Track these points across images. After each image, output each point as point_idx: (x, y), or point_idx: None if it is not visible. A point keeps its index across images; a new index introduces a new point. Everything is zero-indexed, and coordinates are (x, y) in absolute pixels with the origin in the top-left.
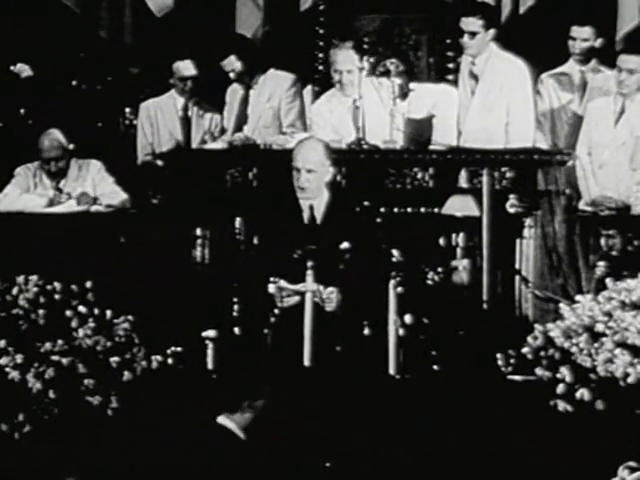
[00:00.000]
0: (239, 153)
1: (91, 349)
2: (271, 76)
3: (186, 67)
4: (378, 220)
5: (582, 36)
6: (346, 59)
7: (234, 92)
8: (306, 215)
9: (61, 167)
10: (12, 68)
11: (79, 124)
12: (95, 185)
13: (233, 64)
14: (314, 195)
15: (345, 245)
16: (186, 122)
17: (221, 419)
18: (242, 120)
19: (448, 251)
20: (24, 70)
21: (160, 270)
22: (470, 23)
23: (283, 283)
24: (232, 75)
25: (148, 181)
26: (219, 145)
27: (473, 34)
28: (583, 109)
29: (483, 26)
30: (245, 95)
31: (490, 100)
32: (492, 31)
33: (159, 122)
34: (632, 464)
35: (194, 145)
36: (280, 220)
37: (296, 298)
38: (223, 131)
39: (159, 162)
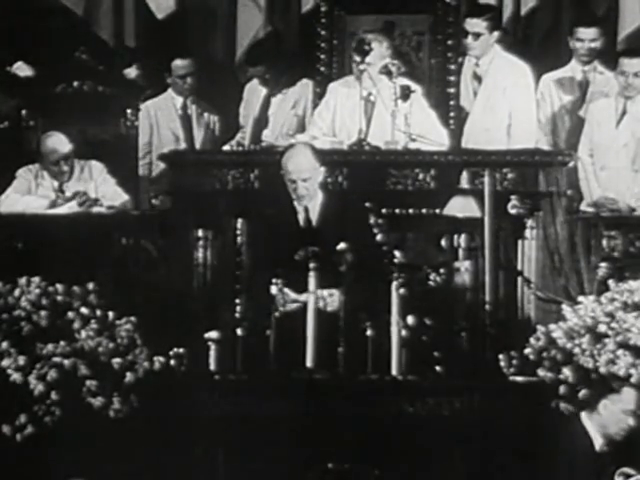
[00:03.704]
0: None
1: (93, 351)
2: (299, 85)
3: (184, 65)
4: (379, 221)
5: (589, 37)
6: (377, 53)
7: (254, 90)
8: (301, 217)
9: (71, 165)
10: (10, 68)
11: (81, 125)
12: (97, 186)
13: (262, 71)
14: (310, 199)
15: (342, 246)
16: (187, 121)
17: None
18: (262, 123)
19: (450, 252)
20: (23, 69)
21: (162, 271)
22: (474, 24)
23: (287, 292)
24: (260, 82)
25: (150, 182)
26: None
27: (477, 35)
28: (585, 110)
29: (487, 27)
30: (267, 97)
31: (493, 101)
32: (496, 33)
33: (160, 122)
34: (627, 470)
35: (197, 143)
36: (278, 221)
37: (298, 304)
38: (237, 129)
39: (160, 163)
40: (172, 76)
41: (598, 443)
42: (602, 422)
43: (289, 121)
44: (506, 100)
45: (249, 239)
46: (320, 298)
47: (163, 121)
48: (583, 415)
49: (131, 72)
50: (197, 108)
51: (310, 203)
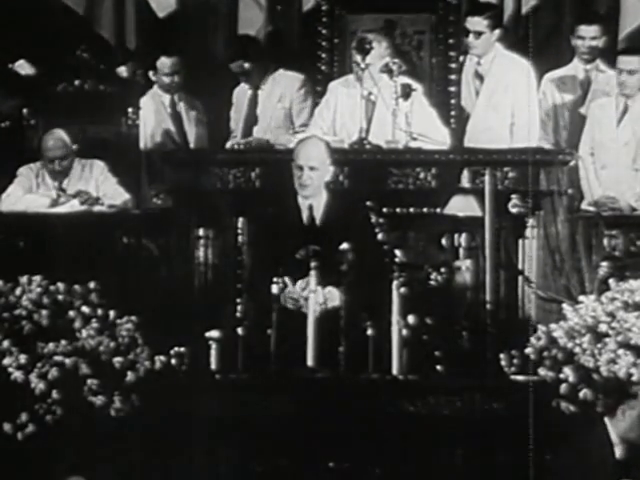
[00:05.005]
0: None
1: (94, 350)
2: (280, 76)
3: (171, 63)
4: (380, 220)
5: (590, 35)
6: (377, 53)
7: (242, 93)
8: (305, 215)
9: (65, 166)
10: (11, 66)
11: (82, 124)
12: (98, 185)
13: (242, 66)
14: (314, 194)
15: (345, 246)
16: (177, 118)
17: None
18: (251, 121)
19: (451, 251)
20: (24, 67)
21: (163, 270)
22: (476, 23)
23: (288, 290)
24: (241, 77)
25: (149, 181)
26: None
27: (479, 34)
28: (586, 109)
29: (489, 26)
30: (254, 96)
31: (495, 100)
32: (498, 31)
33: (150, 121)
34: None
35: (191, 139)
36: (280, 220)
37: (299, 303)
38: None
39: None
40: (158, 74)
41: (619, 450)
42: (622, 428)
43: (276, 114)
44: (508, 98)
45: (250, 238)
46: (319, 295)
47: (153, 119)
48: (606, 421)
49: (124, 71)
50: (185, 104)
51: (314, 201)
